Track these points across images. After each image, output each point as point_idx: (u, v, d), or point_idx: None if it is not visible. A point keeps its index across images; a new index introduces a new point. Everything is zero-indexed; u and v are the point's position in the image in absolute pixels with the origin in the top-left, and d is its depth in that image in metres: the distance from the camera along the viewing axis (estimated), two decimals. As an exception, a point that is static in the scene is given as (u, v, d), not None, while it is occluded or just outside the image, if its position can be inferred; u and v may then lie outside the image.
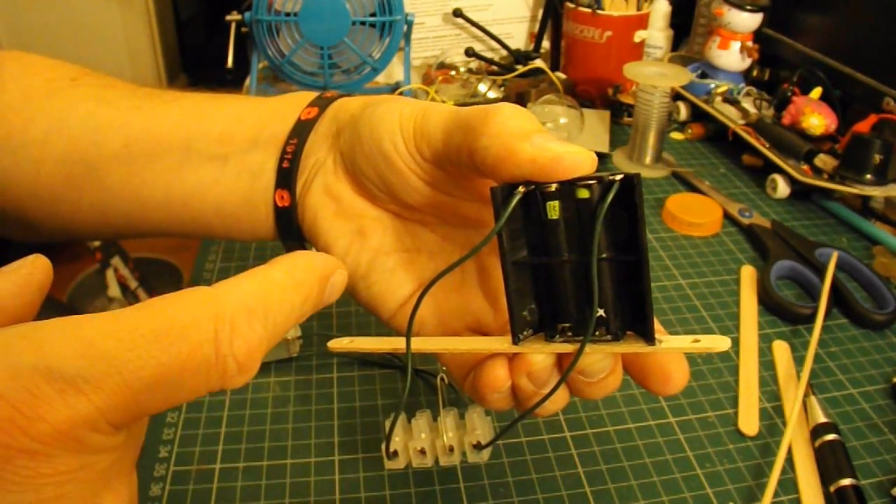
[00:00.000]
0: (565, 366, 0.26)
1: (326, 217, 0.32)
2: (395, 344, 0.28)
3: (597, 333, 0.25)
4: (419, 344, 0.28)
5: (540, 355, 0.26)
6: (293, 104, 0.34)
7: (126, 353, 0.19)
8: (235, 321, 0.21)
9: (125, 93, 0.35)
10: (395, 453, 0.38)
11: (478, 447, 0.37)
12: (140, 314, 0.19)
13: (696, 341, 0.24)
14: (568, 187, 0.24)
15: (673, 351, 0.25)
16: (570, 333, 0.25)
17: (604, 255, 0.24)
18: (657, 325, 0.25)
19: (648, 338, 0.24)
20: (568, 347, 0.25)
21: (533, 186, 0.24)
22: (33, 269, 0.23)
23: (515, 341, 0.25)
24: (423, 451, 0.38)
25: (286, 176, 0.32)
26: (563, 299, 0.25)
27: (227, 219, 0.34)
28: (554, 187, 0.24)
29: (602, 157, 0.77)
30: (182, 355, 0.19)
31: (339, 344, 0.29)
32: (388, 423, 0.37)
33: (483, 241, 0.24)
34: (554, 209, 0.24)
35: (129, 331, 0.19)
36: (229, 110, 0.34)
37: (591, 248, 0.23)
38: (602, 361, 0.26)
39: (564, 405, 0.28)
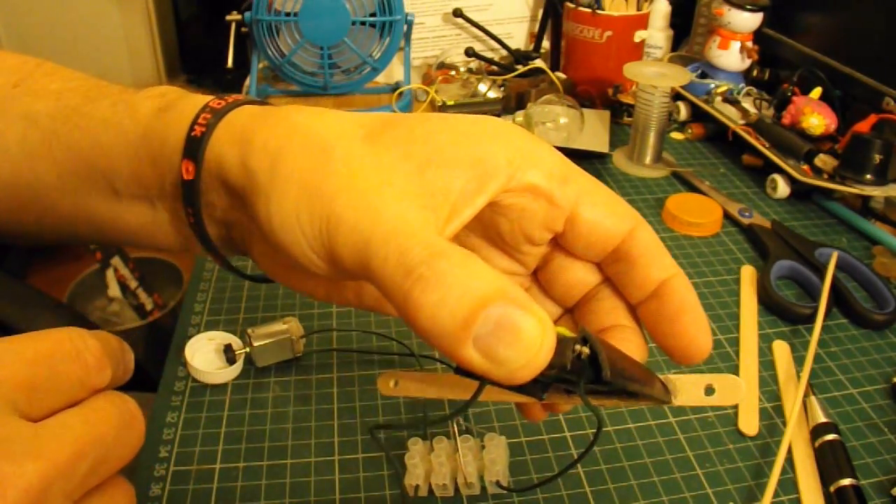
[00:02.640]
0: None
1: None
2: (442, 392, 0.29)
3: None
4: (460, 392, 0.28)
5: (566, 404, 0.28)
6: (172, 140, 0.28)
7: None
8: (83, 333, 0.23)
9: (50, 105, 0.32)
10: (417, 488, 0.39)
11: (500, 486, 0.39)
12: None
13: (710, 389, 0.25)
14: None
15: (685, 404, 0.26)
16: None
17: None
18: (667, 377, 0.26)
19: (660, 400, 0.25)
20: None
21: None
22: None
23: (541, 399, 0.25)
24: (444, 486, 0.39)
25: (201, 234, 0.30)
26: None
27: (181, 251, 0.33)
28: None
29: (602, 157, 0.77)
30: (48, 345, 0.21)
31: (386, 387, 0.30)
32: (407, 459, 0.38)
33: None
34: None
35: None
36: (125, 142, 0.30)
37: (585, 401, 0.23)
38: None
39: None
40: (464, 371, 0.20)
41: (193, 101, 0.28)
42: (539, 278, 0.29)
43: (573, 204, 0.25)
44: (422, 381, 0.30)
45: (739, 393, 0.24)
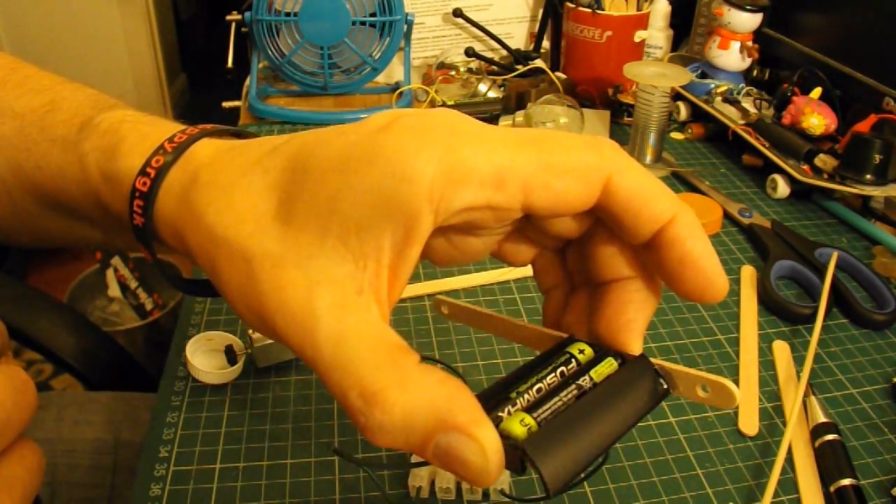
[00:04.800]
0: None
1: None
2: (490, 330, 0.30)
3: None
4: (509, 334, 0.29)
5: None
6: (124, 211, 0.28)
7: None
8: None
9: (13, 133, 0.31)
10: (420, 489, 0.39)
11: (503, 493, 0.39)
12: None
13: (705, 388, 0.24)
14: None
15: (682, 397, 0.25)
16: None
17: None
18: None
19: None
20: None
21: None
22: None
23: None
24: (447, 489, 0.39)
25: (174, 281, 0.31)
26: None
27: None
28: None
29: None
30: None
31: (439, 307, 0.32)
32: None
33: None
34: None
35: None
36: (84, 194, 0.29)
37: None
38: None
39: None
40: None
41: (126, 166, 0.27)
42: (522, 235, 0.27)
43: (521, 197, 0.22)
44: (471, 315, 0.31)
45: (733, 400, 0.23)
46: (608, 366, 0.25)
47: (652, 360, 0.25)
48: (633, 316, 0.25)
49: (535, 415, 0.22)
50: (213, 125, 0.29)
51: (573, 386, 0.24)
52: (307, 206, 0.22)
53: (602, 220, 0.25)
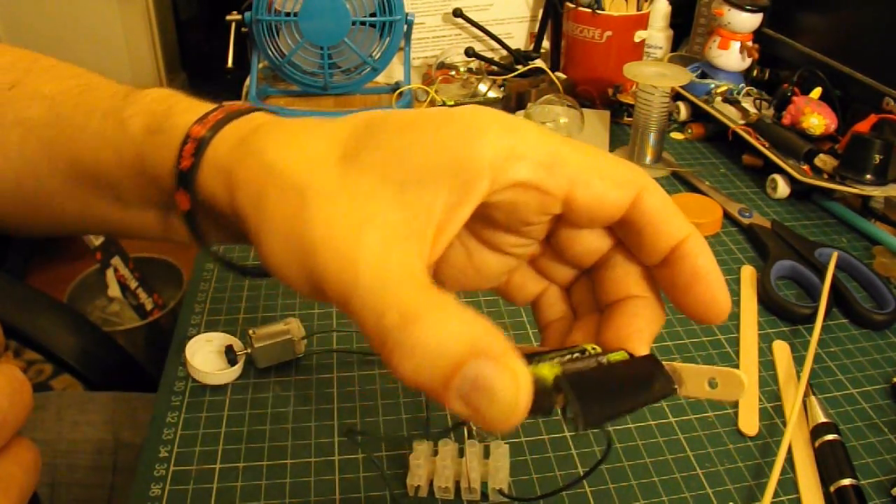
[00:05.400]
0: None
1: None
2: None
3: None
4: None
5: None
6: (167, 166, 0.28)
7: None
8: None
9: (43, 113, 0.32)
10: (418, 489, 0.39)
11: (502, 494, 0.39)
12: None
13: (713, 382, 0.25)
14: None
15: (689, 395, 0.25)
16: None
17: None
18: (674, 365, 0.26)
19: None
20: None
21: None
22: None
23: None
24: (446, 489, 0.39)
25: (205, 247, 0.30)
26: None
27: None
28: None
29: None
30: None
31: None
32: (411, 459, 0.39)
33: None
34: None
35: None
36: (121, 161, 0.30)
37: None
38: None
39: None
40: None
41: (178, 122, 0.28)
42: (551, 243, 0.28)
43: (567, 188, 0.24)
44: None
45: (742, 388, 0.24)
46: (620, 355, 0.25)
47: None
48: (641, 327, 0.26)
49: (562, 366, 0.22)
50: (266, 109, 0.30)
51: (592, 359, 0.24)
52: (372, 154, 0.24)
53: (619, 243, 0.27)
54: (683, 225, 0.25)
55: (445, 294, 0.22)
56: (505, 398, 0.20)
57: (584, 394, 0.21)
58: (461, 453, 0.41)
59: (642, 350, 0.26)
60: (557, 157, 0.24)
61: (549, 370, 0.22)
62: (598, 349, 0.25)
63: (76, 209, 0.33)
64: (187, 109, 0.28)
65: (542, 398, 0.21)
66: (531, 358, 0.24)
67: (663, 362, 0.25)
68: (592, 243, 0.27)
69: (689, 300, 0.25)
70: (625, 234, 0.26)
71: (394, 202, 0.23)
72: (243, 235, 0.26)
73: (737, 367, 0.50)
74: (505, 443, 0.42)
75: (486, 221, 0.27)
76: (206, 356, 0.49)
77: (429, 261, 0.23)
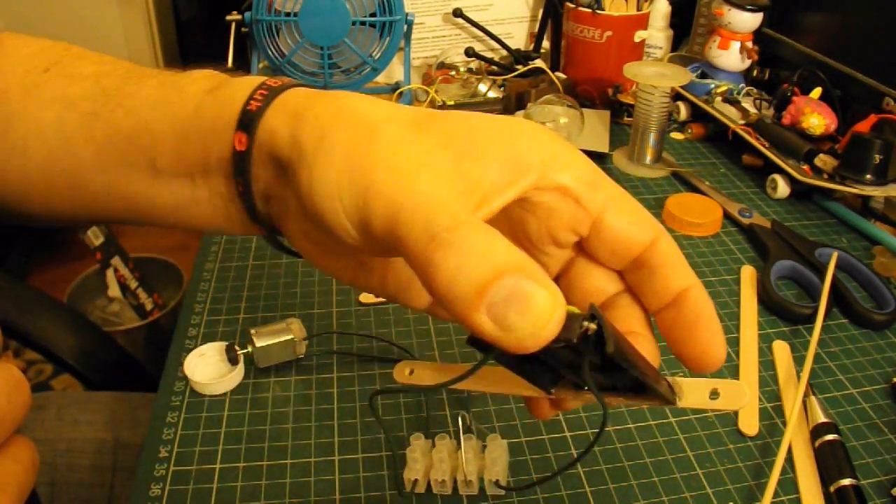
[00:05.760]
0: None
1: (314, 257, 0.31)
2: (454, 375, 0.29)
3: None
4: (476, 384, 0.29)
5: (573, 400, 0.28)
6: (226, 116, 0.29)
7: None
8: None
9: (87, 88, 0.33)
10: (416, 482, 0.39)
11: (498, 485, 0.39)
12: None
13: (715, 393, 0.25)
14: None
15: (690, 406, 0.26)
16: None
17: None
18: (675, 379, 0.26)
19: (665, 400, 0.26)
20: (593, 399, 0.26)
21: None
22: None
23: (549, 393, 0.27)
24: (443, 483, 0.39)
25: (249, 204, 0.31)
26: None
27: (214, 230, 0.34)
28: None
29: (602, 157, 0.77)
30: None
31: (402, 375, 0.30)
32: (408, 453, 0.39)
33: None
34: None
35: None
36: (173, 120, 0.31)
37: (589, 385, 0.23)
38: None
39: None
40: (475, 341, 0.21)
41: (246, 82, 0.29)
42: (560, 284, 0.29)
43: (600, 209, 0.26)
44: (437, 370, 0.30)
45: (743, 398, 0.25)
46: None
47: None
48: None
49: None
50: None
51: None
52: (441, 126, 0.26)
53: (627, 288, 0.28)
54: (690, 274, 0.27)
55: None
56: (540, 309, 0.20)
57: (615, 331, 0.22)
58: (458, 447, 0.41)
59: None
60: (597, 179, 0.26)
61: (578, 310, 0.22)
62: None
63: (102, 183, 0.33)
64: (248, 78, 0.30)
65: (573, 323, 0.21)
66: None
67: (664, 375, 0.26)
68: (601, 284, 0.28)
69: (688, 343, 0.26)
70: (636, 273, 0.27)
71: (451, 165, 0.24)
72: (281, 198, 0.28)
73: (736, 367, 0.50)
74: (502, 438, 0.42)
75: (515, 232, 0.28)
76: (205, 367, 0.49)
77: None
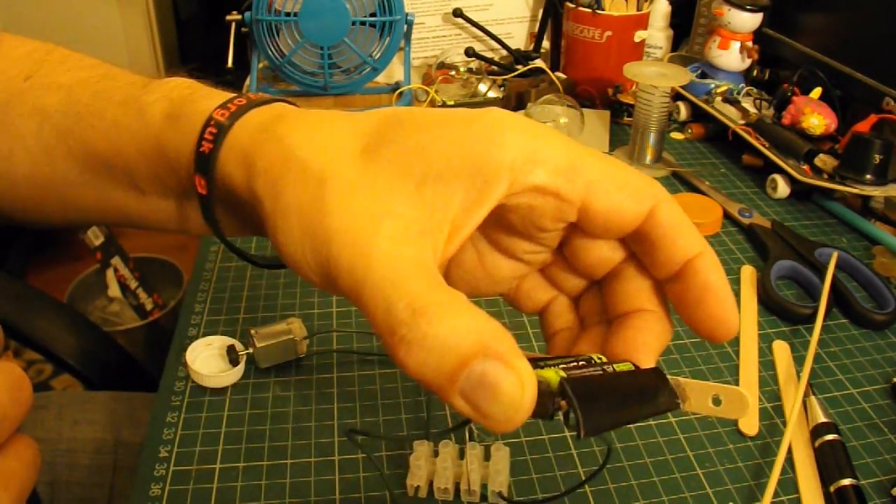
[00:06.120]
0: None
1: None
2: None
3: None
4: None
5: None
6: (184, 152, 0.28)
7: None
8: None
9: (62, 100, 0.32)
10: (418, 489, 0.39)
11: (501, 497, 0.39)
12: None
13: (717, 400, 0.25)
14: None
15: (693, 411, 0.26)
16: None
17: None
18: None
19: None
20: None
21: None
22: None
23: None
24: (445, 490, 0.39)
25: (227, 243, 0.31)
26: None
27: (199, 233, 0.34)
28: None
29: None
30: None
31: None
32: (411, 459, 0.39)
33: None
34: None
35: None
36: (139, 146, 0.30)
37: None
38: None
39: None
40: None
41: (200, 108, 0.28)
42: (563, 252, 0.28)
43: (583, 195, 0.24)
44: None
45: (746, 407, 0.24)
46: (626, 366, 0.25)
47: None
48: (648, 340, 0.26)
49: (567, 372, 0.22)
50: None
51: (598, 368, 0.24)
52: (394, 149, 0.24)
53: (632, 255, 0.27)
54: (697, 241, 0.25)
55: (456, 291, 0.22)
56: (509, 398, 0.20)
57: (587, 401, 0.21)
58: (462, 455, 0.41)
59: (648, 363, 0.26)
60: (577, 164, 0.24)
61: (553, 374, 0.22)
62: (604, 359, 0.26)
63: (94, 198, 0.33)
64: (208, 96, 0.28)
65: (546, 401, 0.21)
66: (536, 362, 0.23)
67: (668, 376, 0.25)
68: (605, 254, 0.27)
69: (698, 316, 0.25)
70: (638, 246, 0.26)
71: (411, 197, 0.23)
72: (258, 225, 0.26)
73: (736, 367, 0.50)
74: (505, 444, 0.42)
75: (500, 225, 0.27)
76: (206, 360, 0.49)
77: (442, 257, 0.24)
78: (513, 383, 0.20)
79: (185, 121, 0.28)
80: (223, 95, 0.29)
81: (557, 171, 0.24)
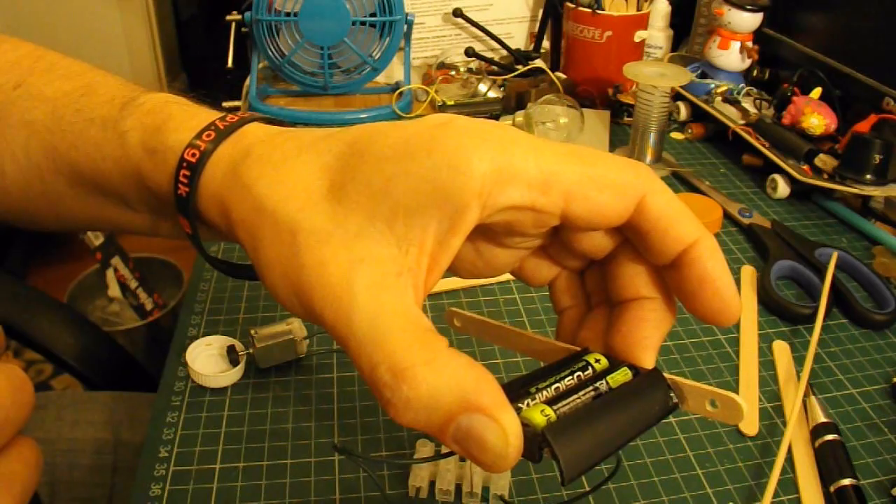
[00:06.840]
0: None
1: None
2: (501, 343, 0.30)
3: None
4: (520, 346, 0.30)
5: None
6: (164, 190, 0.28)
7: None
8: None
9: (47, 114, 0.32)
10: (419, 490, 0.39)
11: (502, 499, 0.39)
12: None
13: (714, 403, 0.25)
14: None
15: (690, 411, 0.26)
16: None
17: None
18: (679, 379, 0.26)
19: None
20: None
21: None
22: None
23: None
24: (447, 492, 0.39)
25: (219, 267, 0.32)
26: None
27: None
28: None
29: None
30: None
31: (451, 320, 0.32)
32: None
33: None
34: None
35: None
36: (123, 171, 0.30)
37: None
38: None
39: None
40: None
41: (171, 141, 0.28)
42: (553, 246, 0.28)
43: (562, 204, 0.24)
44: (484, 327, 0.31)
45: (741, 415, 0.24)
46: (623, 374, 0.25)
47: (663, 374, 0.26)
48: (648, 333, 0.26)
49: (554, 408, 0.23)
50: (260, 114, 0.29)
51: (590, 388, 0.24)
52: (360, 188, 0.23)
53: (628, 239, 0.26)
54: (692, 228, 0.24)
55: (438, 341, 0.22)
56: (495, 450, 0.21)
57: (572, 444, 0.22)
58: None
59: (648, 360, 0.26)
60: (551, 173, 0.23)
61: (539, 417, 0.22)
62: (603, 362, 0.26)
63: (85, 210, 0.33)
64: (179, 126, 0.28)
65: (532, 447, 0.22)
66: (530, 387, 0.24)
67: (667, 376, 0.25)
68: (598, 242, 0.27)
69: (697, 305, 0.25)
70: (632, 236, 0.26)
71: (384, 236, 0.23)
72: None
73: (736, 367, 0.50)
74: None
75: (487, 231, 0.27)
76: (206, 359, 0.49)
77: (424, 292, 0.24)
78: (498, 436, 0.21)
79: (160, 156, 0.28)
80: (194, 122, 0.28)
81: (530, 186, 0.23)
